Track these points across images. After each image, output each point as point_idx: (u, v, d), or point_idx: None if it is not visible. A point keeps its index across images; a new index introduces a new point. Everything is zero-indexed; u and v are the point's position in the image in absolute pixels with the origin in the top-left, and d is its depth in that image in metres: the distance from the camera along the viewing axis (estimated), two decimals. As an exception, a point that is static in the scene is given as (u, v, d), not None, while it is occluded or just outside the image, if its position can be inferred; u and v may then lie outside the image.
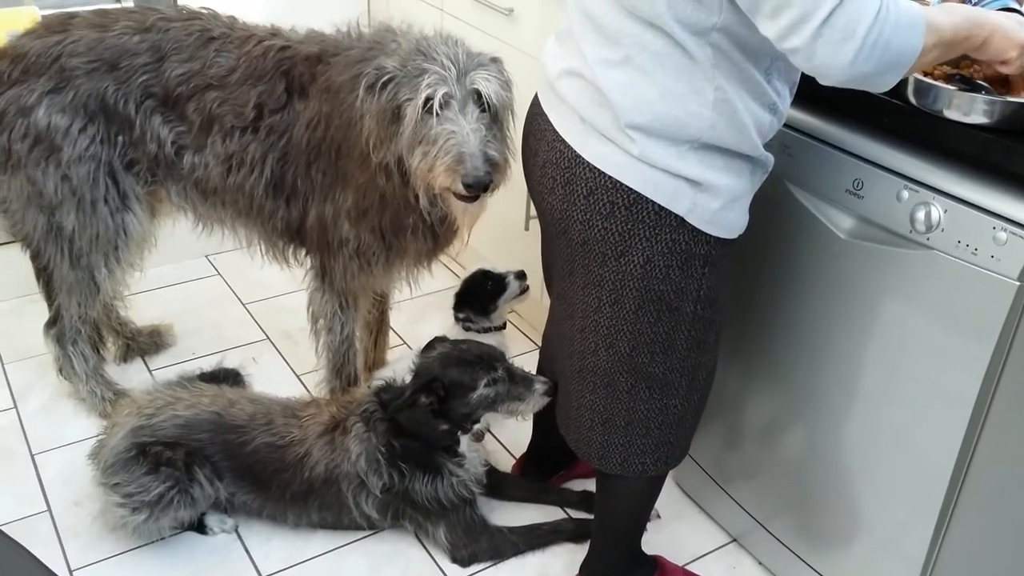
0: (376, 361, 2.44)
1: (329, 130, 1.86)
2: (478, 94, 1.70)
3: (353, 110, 1.76)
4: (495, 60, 1.77)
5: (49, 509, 2.07)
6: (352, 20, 1.93)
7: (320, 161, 1.90)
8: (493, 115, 1.74)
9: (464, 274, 2.35)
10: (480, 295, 2.27)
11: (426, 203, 1.80)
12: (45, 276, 2.17)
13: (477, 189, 1.69)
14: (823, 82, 1.20)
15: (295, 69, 1.90)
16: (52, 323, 2.24)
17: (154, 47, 1.95)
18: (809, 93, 1.52)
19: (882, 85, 1.20)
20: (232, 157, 1.96)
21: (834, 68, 1.15)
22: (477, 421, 1.94)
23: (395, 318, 2.54)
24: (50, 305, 2.22)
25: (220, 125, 1.95)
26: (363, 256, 1.95)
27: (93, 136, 1.98)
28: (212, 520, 2.00)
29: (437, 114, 1.68)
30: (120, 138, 2.00)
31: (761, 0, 1.16)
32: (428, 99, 1.67)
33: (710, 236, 1.39)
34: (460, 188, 1.69)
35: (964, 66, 1.54)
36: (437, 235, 1.95)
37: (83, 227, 2.05)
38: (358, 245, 1.93)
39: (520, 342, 2.65)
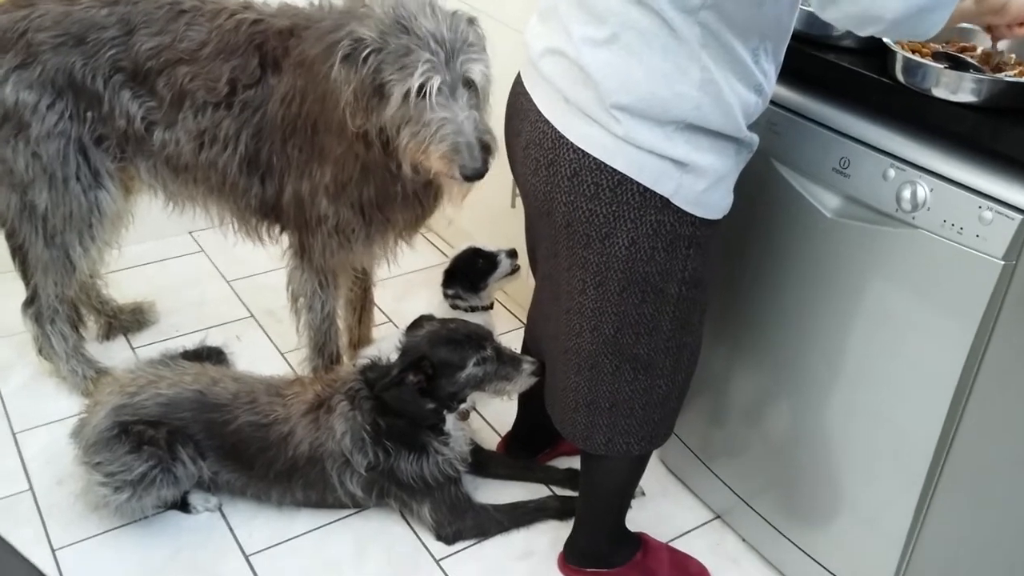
0: (361, 339, 2.43)
1: (304, 105, 1.83)
2: (468, 79, 1.68)
3: (328, 82, 1.73)
4: (471, 22, 1.74)
5: (31, 488, 2.05)
6: None
7: (296, 137, 1.88)
8: (480, 94, 1.73)
9: (453, 252, 2.33)
10: (471, 273, 2.25)
11: (409, 172, 1.77)
12: (20, 255, 2.15)
13: (475, 179, 1.68)
14: (870, 30, 1.14)
15: (268, 43, 1.87)
16: (29, 302, 2.21)
17: (123, 20, 1.91)
18: (796, 70, 1.51)
19: (933, 24, 1.13)
20: (204, 133, 1.94)
21: (884, 3, 1.09)
22: (464, 400, 1.94)
23: (380, 295, 2.53)
24: (27, 284, 2.20)
25: (192, 100, 1.91)
26: (342, 233, 1.93)
27: (62, 112, 1.94)
28: (196, 499, 1.99)
29: (428, 99, 1.65)
30: (89, 114, 1.97)
31: None
32: (416, 85, 1.64)
33: (695, 217, 1.38)
34: (457, 176, 1.68)
35: (952, 43, 1.53)
36: (423, 202, 1.93)
37: (56, 205, 2.02)
38: (336, 222, 1.91)
39: (506, 320, 2.64)
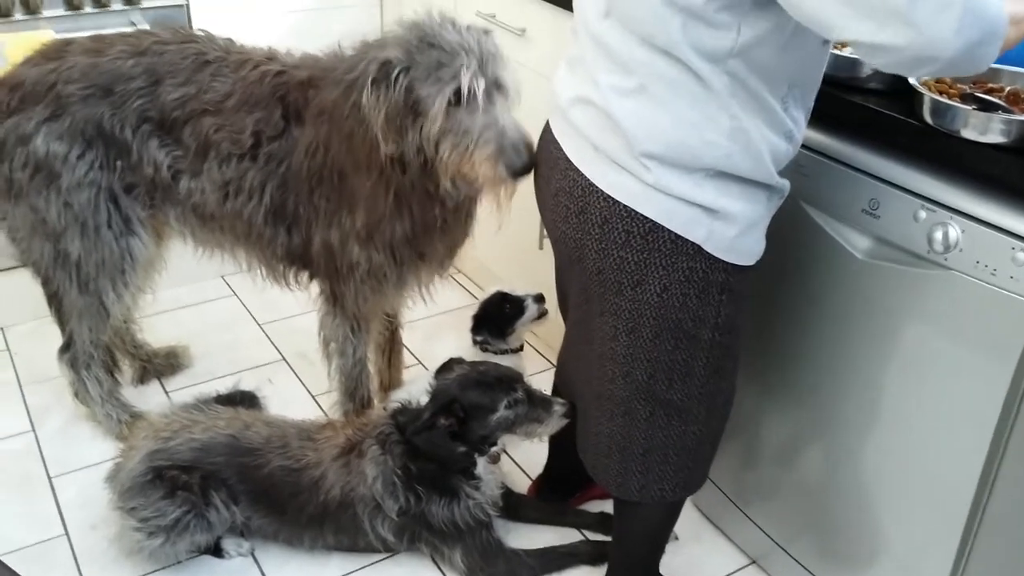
0: (391, 382, 2.44)
1: (329, 153, 1.85)
2: (500, 83, 1.70)
3: (351, 119, 1.74)
4: (487, 33, 1.75)
5: (66, 532, 2.07)
6: (336, 42, 1.90)
7: (322, 187, 1.89)
8: (510, 97, 1.74)
9: (482, 296, 2.34)
10: (498, 318, 2.26)
11: (449, 187, 1.77)
12: (56, 302, 2.18)
13: (523, 174, 1.68)
14: (921, 72, 1.13)
15: (290, 95, 1.89)
16: (65, 348, 2.24)
17: (149, 71, 1.94)
18: (824, 113, 1.52)
19: (986, 59, 1.11)
20: (229, 184, 1.96)
21: (941, 44, 1.05)
22: (495, 443, 1.94)
23: (409, 337, 2.54)
24: (62, 330, 2.23)
25: (216, 151, 1.94)
26: (374, 277, 1.93)
27: (92, 162, 1.98)
28: (228, 544, 2.00)
29: (472, 103, 1.66)
30: (119, 163, 1.99)
31: (832, 5, 1.08)
32: (465, 90, 1.64)
33: (727, 263, 1.38)
34: (504, 174, 1.68)
35: (979, 84, 1.53)
36: (463, 224, 1.94)
37: (89, 253, 2.05)
38: (369, 267, 1.91)
39: (536, 361, 2.64)
